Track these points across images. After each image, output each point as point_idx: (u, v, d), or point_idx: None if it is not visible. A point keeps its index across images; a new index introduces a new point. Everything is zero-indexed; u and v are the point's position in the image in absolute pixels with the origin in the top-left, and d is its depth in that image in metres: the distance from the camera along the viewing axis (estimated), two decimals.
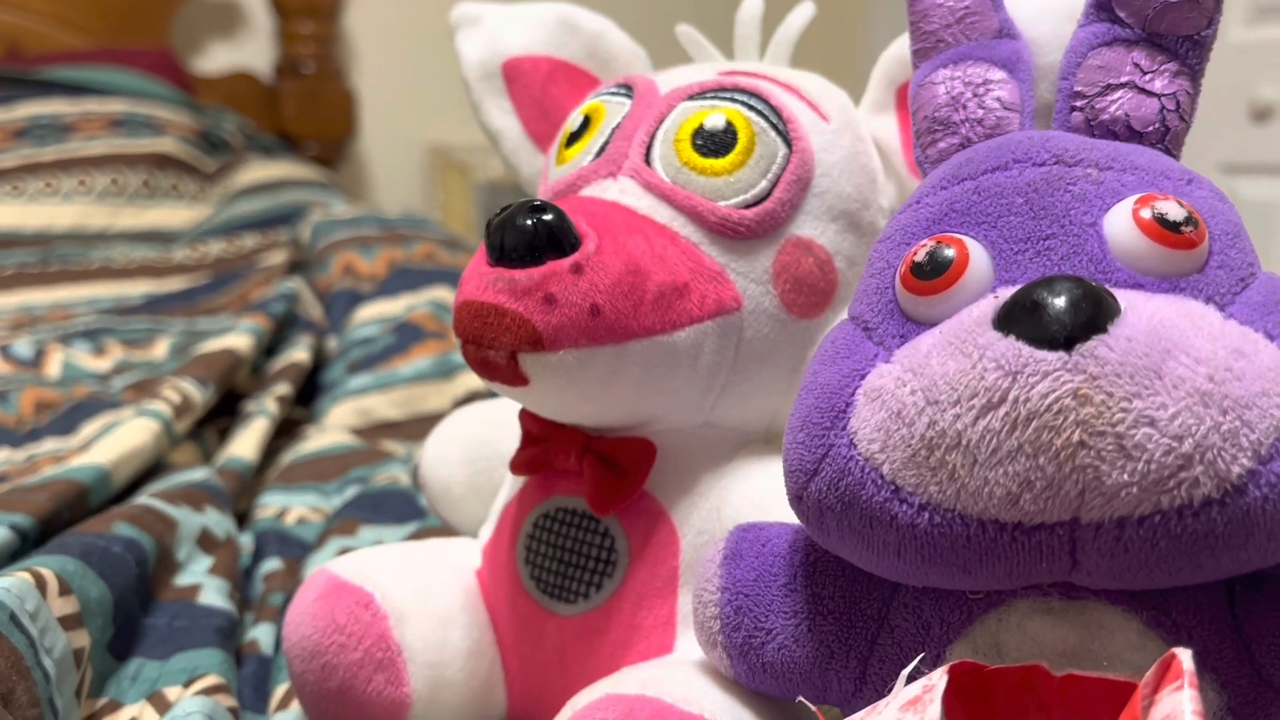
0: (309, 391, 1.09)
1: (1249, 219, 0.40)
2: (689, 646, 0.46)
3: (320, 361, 1.12)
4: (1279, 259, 1.65)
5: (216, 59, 2.04)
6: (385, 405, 1.02)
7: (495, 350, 0.44)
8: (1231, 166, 1.76)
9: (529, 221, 0.43)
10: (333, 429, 0.98)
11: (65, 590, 0.51)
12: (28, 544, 0.60)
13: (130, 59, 1.74)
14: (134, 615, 0.57)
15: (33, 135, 1.53)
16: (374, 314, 1.16)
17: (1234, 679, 0.34)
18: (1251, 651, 0.34)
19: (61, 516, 0.65)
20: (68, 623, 0.50)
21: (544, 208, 0.43)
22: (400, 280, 1.21)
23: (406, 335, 1.10)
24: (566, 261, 0.43)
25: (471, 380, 1.02)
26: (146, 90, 1.67)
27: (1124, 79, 0.40)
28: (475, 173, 2.10)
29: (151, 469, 0.80)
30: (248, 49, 2.06)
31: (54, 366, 1.04)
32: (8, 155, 1.50)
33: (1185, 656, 0.29)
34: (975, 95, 0.42)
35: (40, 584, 0.49)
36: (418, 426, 0.98)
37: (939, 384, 0.33)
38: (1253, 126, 1.75)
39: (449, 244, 1.36)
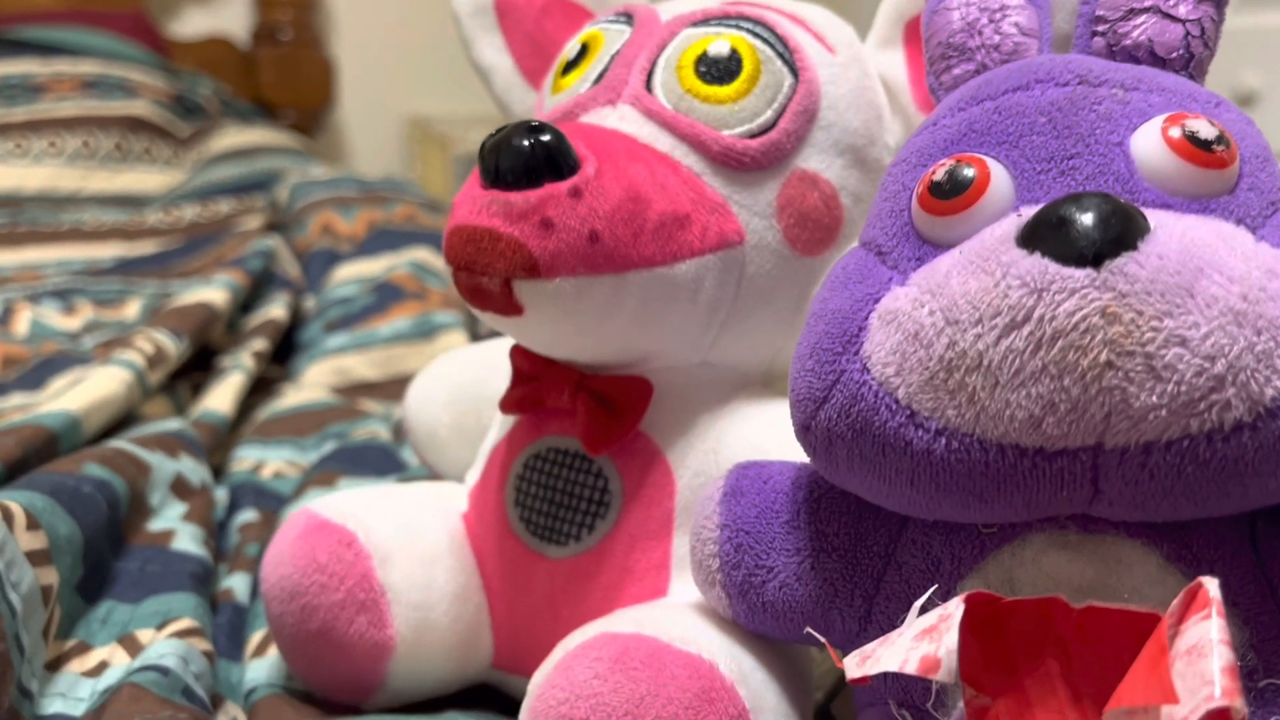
0: (285, 350, 1.06)
1: None
2: (683, 590, 0.45)
3: (297, 321, 1.10)
4: None
5: (192, 23, 2.00)
6: (363, 365, 1.01)
7: (489, 277, 0.42)
8: None
9: (526, 142, 0.41)
10: (310, 387, 0.96)
11: (33, 525, 0.49)
12: None
13: (103, 21, 1.70)
14: (104, 557, 0.55)
15: (2, 95, 1.50)
16: (353, 274, 1.14)
17: (1257, 615, 0.33)
18: (1275, 588, 0.33)
19: (29, 463, 0.62)
20: (35, 558, 0.48)
21: (542, 128, 0.41)
22: (380, 241, 1.19)
23: (386, 295, 1.08)
24: (565, 185, 0.41)
25: (451, 342, 1.01)
26: (120, 52, 1.64)
27: (1148, 3, 0.39)
28: (455, 145, 2.07)
29: (122, 420, 0.77)
30: (224, 14, 2.02)
31: (22, 324, 1.02)
32: None
33: (1212, 585, 0.28)
34: (991, 21, 0.41)
35: (7, 517, 0.47)
36: (396, 387, 0.96)
37: (959, 303, 0.31)
38: None
39: (429, 206, 1.34)
